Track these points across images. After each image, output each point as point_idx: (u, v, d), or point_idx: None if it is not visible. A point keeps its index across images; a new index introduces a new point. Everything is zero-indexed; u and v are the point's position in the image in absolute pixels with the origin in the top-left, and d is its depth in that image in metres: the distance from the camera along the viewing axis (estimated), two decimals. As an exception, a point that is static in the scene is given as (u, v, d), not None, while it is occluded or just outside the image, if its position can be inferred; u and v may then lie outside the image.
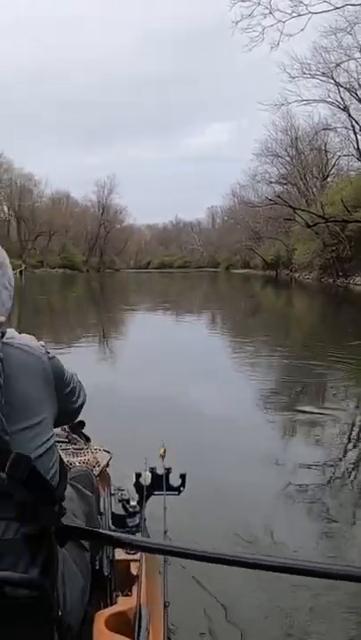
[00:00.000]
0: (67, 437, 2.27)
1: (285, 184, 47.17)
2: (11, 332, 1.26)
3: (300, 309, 21.22)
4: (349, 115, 36.75)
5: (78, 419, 1.72)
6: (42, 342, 1.34)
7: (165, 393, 6.00)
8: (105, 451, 2.28)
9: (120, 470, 2.35)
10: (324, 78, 34.32)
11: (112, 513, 1.92)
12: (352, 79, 34.30)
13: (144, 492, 1.99)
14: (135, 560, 1.68)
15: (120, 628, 1.33)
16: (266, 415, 5.43)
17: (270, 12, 25.77)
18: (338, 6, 26.55)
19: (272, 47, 27.35)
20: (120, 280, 51.63)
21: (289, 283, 39.34)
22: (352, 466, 4.11)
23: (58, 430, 2.05)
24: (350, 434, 4.88)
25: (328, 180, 44.27)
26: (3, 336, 1.17)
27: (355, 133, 37.70)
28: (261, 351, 9.78)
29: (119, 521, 1.91)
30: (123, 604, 1.45)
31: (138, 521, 1.93)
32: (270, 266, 52.45)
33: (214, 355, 9.48)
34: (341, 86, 34.95)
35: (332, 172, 45.13)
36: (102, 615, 1.37)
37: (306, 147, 45.76)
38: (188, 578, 2.30)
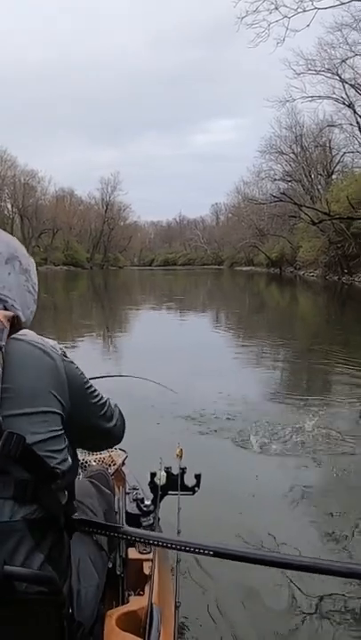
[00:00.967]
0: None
1: (290, 181, 47.03)
2: (26, 331, 1.26)
3: (306, 307, 21.19)
4: (355, 111, 36.61)
5: None
6: (62, 346, 1.33)
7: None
8: (120, 449, 2.27)
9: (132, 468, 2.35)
10: (329, 75, 34.22)
11: (126, 512, 1.91)
12: (357, 75, 34.19)
13: (158, 492, 1.98)
14: (148, 560, 1.68)
15: (131, 628, 1.33)
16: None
17: (276, 8, 25.75)
18: (344, 2, 26.47)
19: (278, 43, 27.30)
20: (124, 277, 51.67)
21: (293, 280, 39.29)
22: None
23: None
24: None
25: (333, 177, 44.14)
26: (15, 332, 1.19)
27: (360, 130, 37.59)
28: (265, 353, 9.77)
29: (133, 520, 1.90)
30: (134, 603, 1.46)
31: (152, 520, 1.91)
32: (274, 263, 52.46)
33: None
34: (347, 83, 34.81)
35: (336, 168, 45.01)
36: (113, 614, 1.37)
37: (311, 144, 45.64)
38: (200, 578, 2.29)
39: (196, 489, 2.04)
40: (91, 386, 1.33)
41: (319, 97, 36.15)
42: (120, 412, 1.47)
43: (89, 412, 1.33)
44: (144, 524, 1.91)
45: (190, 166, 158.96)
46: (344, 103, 36.70)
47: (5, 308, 1.21)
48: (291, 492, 3.42)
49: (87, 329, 12.78)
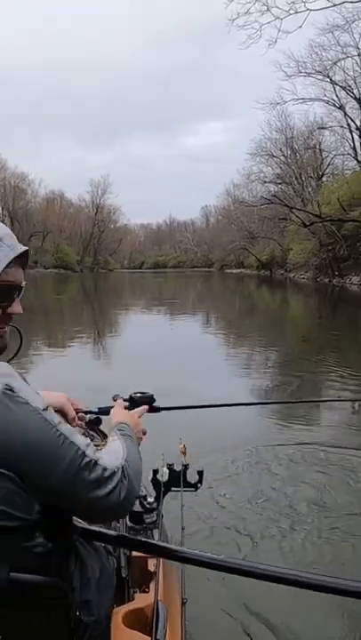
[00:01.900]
0: (84, 434, 2.24)
1: (280, 183, 47.22)
2: None
3: (298, 310, 21.22)
4: (345, 113, 36.92)
5: (93, 416, 1.68)
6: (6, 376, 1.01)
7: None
8: None
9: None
10: (320, 77, 34.54)
11: None
12: (348, 77, 34.52)
13: (161, 489, 1.97)
14: (153, 556, 1.66)
15: (137, 625, 1.33)
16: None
17: (268, 9, 25.79)
18: (336, 3, 26.63)
19: (270, 44, 27.36)
20: (114, 280, 51.50)
21: (284, 282, 39.36)
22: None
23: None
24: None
25: (323, 179, 44.37)
26: None
27: (350, 132, 37.87)
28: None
29: (136, 517, 1.89)
30: (140, 600, 1.45)
31: (155, 517, 1.90)
32: (265, 265, 52.53)
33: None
34: (337, 84, 35.15)
35: (327, 171, 45.26)
36: (119, 611, 1.36)
37: (301, 146, 45.87)
38: (205, 574, 2.28)
39: (199, 485, 2.04)
40: (63, 440, 1.00)
41: (310, 99, 36.52)
42: (126, 476, 1.09)
43: (47, 470, 1.00)
44: (147, 521, 1.89)
45: (181, 168, 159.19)
46: (335, 105, 37.05)
47: None
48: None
49: (77, 333, 12.73)
